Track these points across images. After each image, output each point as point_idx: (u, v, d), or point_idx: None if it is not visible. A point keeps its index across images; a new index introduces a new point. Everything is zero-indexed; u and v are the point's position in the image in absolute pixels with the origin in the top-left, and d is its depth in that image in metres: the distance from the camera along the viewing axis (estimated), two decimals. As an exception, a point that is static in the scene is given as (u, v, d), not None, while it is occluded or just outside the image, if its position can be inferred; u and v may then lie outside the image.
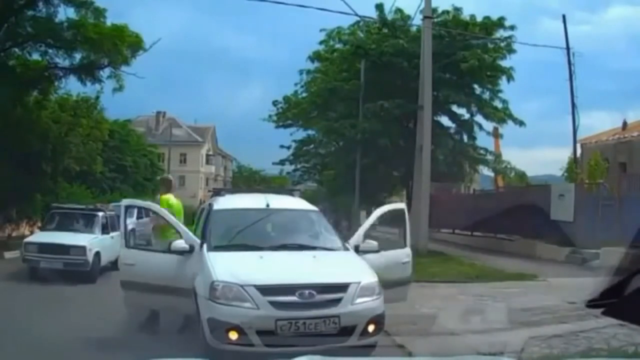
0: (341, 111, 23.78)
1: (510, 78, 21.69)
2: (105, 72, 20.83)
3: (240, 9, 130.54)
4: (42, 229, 15.20)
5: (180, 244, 6.91)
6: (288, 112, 30.71)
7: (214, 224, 7.24)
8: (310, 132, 30.97)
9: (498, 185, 31.47)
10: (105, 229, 13.58)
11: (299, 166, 34.44)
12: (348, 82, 23.38)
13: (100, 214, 13.81)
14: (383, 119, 21.33)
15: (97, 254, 12.57)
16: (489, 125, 23.46)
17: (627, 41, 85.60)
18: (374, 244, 7.26)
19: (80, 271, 12.13)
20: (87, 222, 13.66)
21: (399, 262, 7.36)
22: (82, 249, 12.35)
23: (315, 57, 25.46)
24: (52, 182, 21.43)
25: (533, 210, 17.53)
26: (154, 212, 7.84)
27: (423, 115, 17.36)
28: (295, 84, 29.27)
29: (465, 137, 23.62)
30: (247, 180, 57.33)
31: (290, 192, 9.83)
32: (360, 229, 7.52)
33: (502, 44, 21.79)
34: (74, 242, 12.52)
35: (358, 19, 22.45)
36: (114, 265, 13.58)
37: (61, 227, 13.48)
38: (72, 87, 21.78)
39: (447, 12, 22.11)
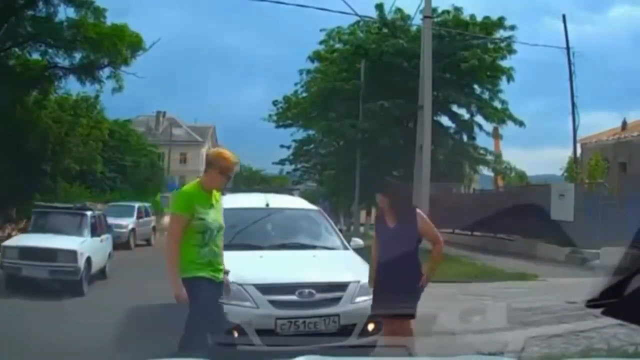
0: (341, 111, 23.79)
1: (510, 78, 21.77)
2: (105, 72, 20.92)
3: (240, 8, 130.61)
4: (25, 231, 13.72)
5: None
6: (288, 112, 30.75)
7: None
8: (310, 132, 31.00)
9: (498, 185, 31.47)
10: (94, 231, 12.04)
11: (299, 166, 34.47)
12: (348, 82, 23.39)
13: (89, 213, 12.23)
14: (383, 119, 21.35)
15: (88, 259, 10.96)
16: (489, 126, 23.53)
17: (628, 41, 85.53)
18: (359, 242, 7.38)
19: (68, 281, 10.30)
20: (74, 223, 11.89)
21: None
22: (71, 254, 10.54)
23: (315, 57, 25.50)
24: (52, 182, 21.46)
25: (533, 210, 17.51)
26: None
27: (423, 115, 17.32)
28: (295, 84, 29.37)
29: (465, 137, 23.67)
30: (247, 180, 57.36)
31: (289, 192, 9.87)
32: None
33: (502, 44, 21.83)
34: (61, 245, 10.68)
35: (358, 18, 22.50)
36: (102, 272, 12.46)
37: (46, 229, 11.63)
38: (72, 87, 21.86)
39: (447, 12, 22.17)
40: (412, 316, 5.38)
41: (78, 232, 11.59)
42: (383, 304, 5.39)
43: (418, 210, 5.62)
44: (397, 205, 5.50)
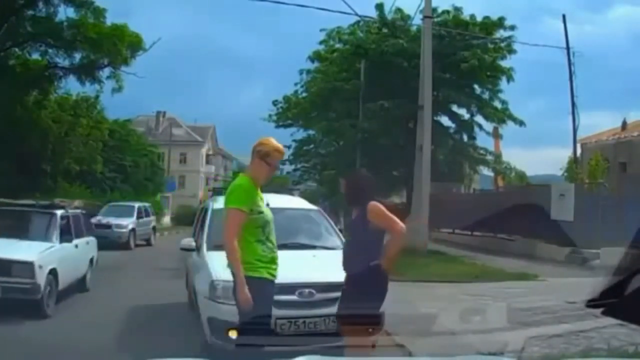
0: (341, 111, 23.80)
1: (510, 78, 21.77)
2: (105, 72, 20.99)
3: (241, 8, 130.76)
4: None
5: (188, 242, 7.57)
6: (288, 112, 30.76)
7: (214, 223, 7.24)
8: (310, 132, 31.00)
9: (498, 185, 31.48)
10: (66, 234, 9.65)
11: (299, 166, 34.44)
12: (348, 82, 23.40)
13: (59, 213, 9.79)
14: (383, 119, 21.36)
15: (53, 272, 8.62)
16: (489, 125, 23.54)
17: (628, 41, 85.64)
18: None
19: (26, 300, 8.10)
20: (40, 226, 9.57)
21: None
22: (28, 267, 8.17)
23: (315, 57, 25.51)
24: (52, 182, 21.49)
25: (533, 210, 17.50)
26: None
27: (423, 115, 17.34)
28: (295, 84, 29.37)
29: (465, 137, 23.68)
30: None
31: (289, 192, 9.88)
32: None
33: (502, 44, 21.84)
34: (16, 255, 8.33)
35: (358, 18, 22.51)
36: (80, 284, 10.42)
37: (5, 233, 9.14)
38: (72, 87, 21.92)
39: (447, 12, 22.17)
40: (375, 320, 4.79)
41: (44, 236, 9.31)
42: (343, 303, 5.08)
43: (373, 202, 5.00)
44: (354, 196, 5.19)
